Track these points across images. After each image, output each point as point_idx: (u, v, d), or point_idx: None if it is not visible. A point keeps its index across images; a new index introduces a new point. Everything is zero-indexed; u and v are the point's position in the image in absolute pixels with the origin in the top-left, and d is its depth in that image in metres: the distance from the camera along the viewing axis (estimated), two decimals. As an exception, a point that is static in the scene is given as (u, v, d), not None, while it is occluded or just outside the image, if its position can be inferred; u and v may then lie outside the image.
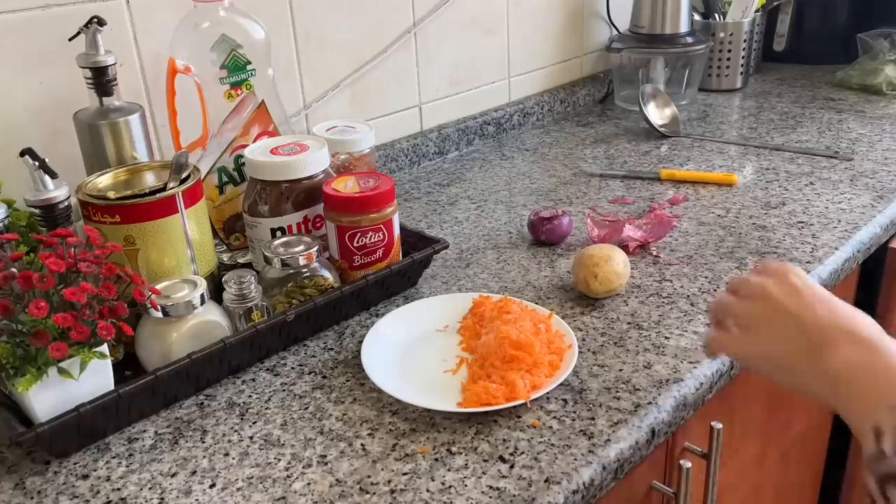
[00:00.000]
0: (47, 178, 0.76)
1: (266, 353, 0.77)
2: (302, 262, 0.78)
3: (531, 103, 1.47)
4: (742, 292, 0.62)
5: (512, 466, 0.61)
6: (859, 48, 1.62)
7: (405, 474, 0.60)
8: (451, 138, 1.34)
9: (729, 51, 1.58)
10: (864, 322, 0.57)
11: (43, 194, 0.76)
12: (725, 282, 0.86)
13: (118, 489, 0.61)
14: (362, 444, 0.64)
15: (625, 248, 0.94)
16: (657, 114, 1.39)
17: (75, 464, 0.64)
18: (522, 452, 0.62)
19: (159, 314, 0.70)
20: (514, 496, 0.58)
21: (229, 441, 0.65)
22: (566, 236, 0.98)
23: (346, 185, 0.82)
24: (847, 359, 0.54)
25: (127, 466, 0.63)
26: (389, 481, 0.60)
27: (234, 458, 0.63)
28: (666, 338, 0.76)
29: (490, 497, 0.58)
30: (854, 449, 1.23)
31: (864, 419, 0.53)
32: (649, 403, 0.67)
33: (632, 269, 0.90)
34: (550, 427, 0.65)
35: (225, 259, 0.92)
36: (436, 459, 0.62)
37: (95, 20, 0.80)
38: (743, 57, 1.59)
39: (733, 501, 0.97)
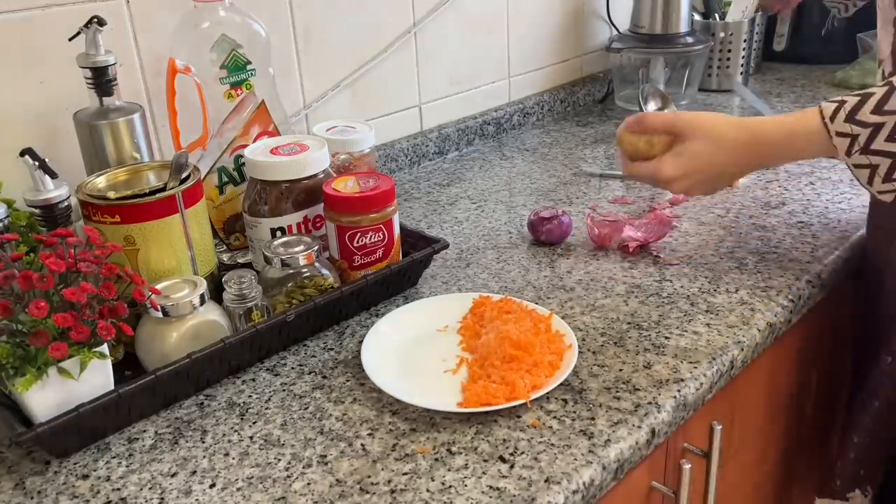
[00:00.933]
0: (47, 178, 0.76)
1: (266, 353, 0.77)
2: (302, 262, 0.78)
3: (531, 103, 1.47)
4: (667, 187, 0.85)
5: (512, 466, 0.61)
6: (859, 48, 1.62)
7: (405, 474, 0.61)
8: (451, 138, 1.34)
9: (729, 51, 1.58)
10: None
11: (43, 194, 0.76)
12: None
13: (118, 489, 0.61)
14: (362, 444, 0.64)
15: (625, 248, 0.94)
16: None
17: (75, 464, 0.64)
18: (522, 452, 0.62)
19: (159, 314, 0.70)
20: (514, 496, 0.58)
21: (229, 441, 0.65)
22: (566, 236, 0.98)
23: (346, 185, 0.82)
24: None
25: (127, 466, 0.63)
26: (389, 481, 0.60)
27: (234, 458, 0.63)
28: (666, 338, 0.76)
29: (490, 497, 0.58)
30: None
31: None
32: (649, 403, 0.67)
33: (632, 268, 0.90)
34: (550, 427, 0.65)
35: (225, 259, 0.92)
36: (436, 459, 0.62)
37: (95, 20, 0.80)
38: (743, 57, 1.59)
39: (733, 501, 0.97)
